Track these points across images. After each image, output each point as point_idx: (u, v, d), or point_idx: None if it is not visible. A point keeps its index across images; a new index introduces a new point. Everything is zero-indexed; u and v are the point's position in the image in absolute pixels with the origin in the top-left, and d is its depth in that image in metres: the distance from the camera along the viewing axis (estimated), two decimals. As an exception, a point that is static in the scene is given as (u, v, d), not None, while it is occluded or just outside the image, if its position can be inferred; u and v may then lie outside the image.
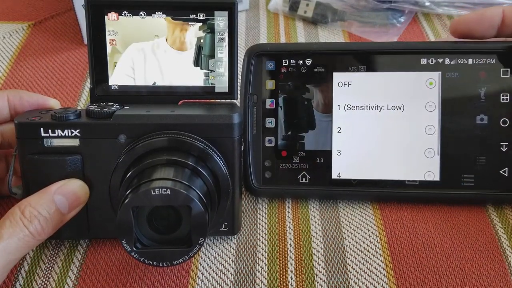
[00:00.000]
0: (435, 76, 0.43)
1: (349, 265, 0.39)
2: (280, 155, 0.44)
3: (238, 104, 0.40)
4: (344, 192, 0.44)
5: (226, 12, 0.38)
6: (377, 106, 0.43)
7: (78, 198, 0.36)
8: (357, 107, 0.43)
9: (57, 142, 0.36)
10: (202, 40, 0.39)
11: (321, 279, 0.38)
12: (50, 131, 0.36)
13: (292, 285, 0.38)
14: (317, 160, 0.44)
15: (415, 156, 0.43)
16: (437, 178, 0.43)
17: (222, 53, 0.39)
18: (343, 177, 0.44)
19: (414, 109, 0.43)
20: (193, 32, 0.39)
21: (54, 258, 0.39)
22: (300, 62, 0.44)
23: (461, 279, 0.38)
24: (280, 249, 0.40)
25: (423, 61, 0.43)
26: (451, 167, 0.43)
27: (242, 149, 0.38)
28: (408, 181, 0.43)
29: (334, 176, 0.44)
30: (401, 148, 0.43)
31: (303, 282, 0.38)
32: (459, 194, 0.43)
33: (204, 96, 0.40)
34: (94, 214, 0.38)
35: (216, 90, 0.40)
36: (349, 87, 0.43)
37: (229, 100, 0.40)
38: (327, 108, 0.44)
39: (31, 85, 0.56)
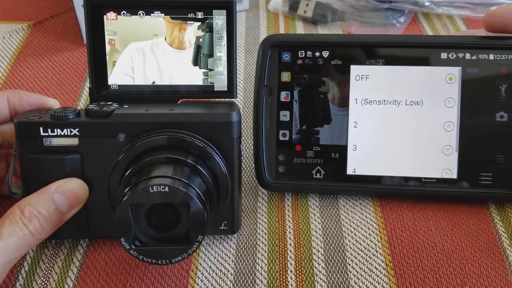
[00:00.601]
0: (455, 71, 0.42)
1: (349, 265, 0.39)
2: (294, 149, 0.43)
3: (237, 103, 0.40)
4: (359, 189, 0.43)
5: (225, 11, 0.38)
6: (395, 101, 0.42)
7: (77, 197, 0.36)
8: (375, 102, 0.43)
9: (56, 141, 0.36)
10: (201, 40, 0.39)
11: (321, 279, 0.38)
12: (49, 130, 0.36)
13: (292, 285, 0.38)
14: (332, 155, 0.43)
15: (432, 153, 0.42)
16: (454, 175, 0.42)
17: (221, 52, 0.39)
18: (358, 173, 0.43)
19: (433, 104, 0.42)
20: (192, 31, 0.39)
21: (54, 258, 0.39)
22: (317, 54, 0.43)
23: (461, 278, 0.38)
24: (280, 248, 0.40)
25: (443, 55, 0.42)
26: (469, 165, 0.42)
27: (241, 148, 0.38)
28: (425, 178, 0.43)
29: (349, 172, 0.43)
30: (418, 144, 0.43)
31: (303, 282, 0.38)
32: (476, 192, 0.42)
33: (203, 95, 0.40)
34: (94, 213, 0.38)
35: (215, 89, 0.40)
36: (366, 81, 0.42)
37: (228, 99, 0.40)
38: (344, 102, 0.43)
39: (31, 85, 0.56)
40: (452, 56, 0.42)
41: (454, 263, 0.39)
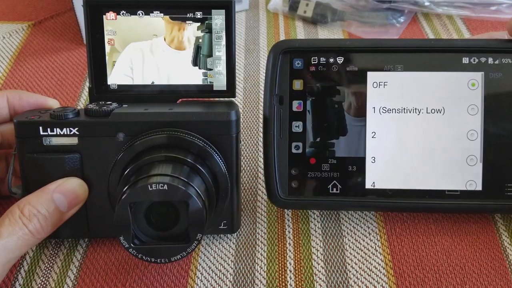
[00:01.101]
0: (478, 76, 0.40)
1: (349, 264, 0.39)
2: (308, 162, 0.41)
3: (236, 102, 0.40)
4: (379, 203, 0.41)
5: (223, 11, 0.38)
6: (415, 109, 0.40)
7: (77, 196, 0.37)
8: (393, 110, 0.40)
9: (56, 141, 0.36)
10: (200, 40, 0.39)
11: (320, 278, 0.38)
12: (49, 129, 0.36)
13: (291, 285, 0.38)
14: (349, 168, 0.41)
15: (456, 164, 0.40)
16: (479, 187, 0.40)
17: (220, 52, 0.39)
18: (378, 186, 0.41)
19: (455, 112, 0.40)
20: (191, 31, 0.39)
21: (53, 257, 0.39)
22: (331, 60, 0.40)
23: (461, 278, 0.38)
24: (279, 248, 0.40)
25: (465, 60, 0.40)
26: (495, 175, 0.40)
27: (240, 147, 0.38)
28: (449, 191, 0.40)
29: (368, 185, 0.41)
30: (441, 155, 0.40)
31: (302, 281, 0.38)
32: (502, 205, 0.40)
33: (203, 95, 0.40)
34: (93, 213, 0.38)
35: (214, 89, 0.40)
36: (384, 88, 0.40)
37: (227, 98, 0.40)
38: (360, 111, 0.40)
39: (31, 85, 0.56)
40: (474, 61, 0.40)
41: (454, 263, 0.39)
